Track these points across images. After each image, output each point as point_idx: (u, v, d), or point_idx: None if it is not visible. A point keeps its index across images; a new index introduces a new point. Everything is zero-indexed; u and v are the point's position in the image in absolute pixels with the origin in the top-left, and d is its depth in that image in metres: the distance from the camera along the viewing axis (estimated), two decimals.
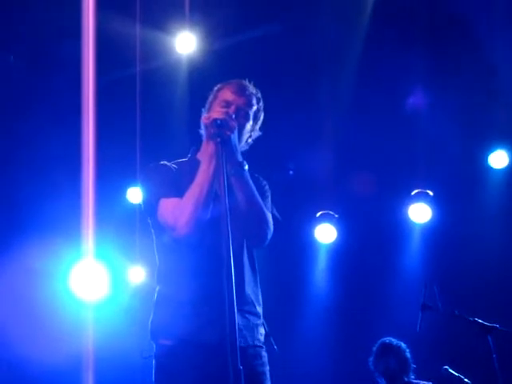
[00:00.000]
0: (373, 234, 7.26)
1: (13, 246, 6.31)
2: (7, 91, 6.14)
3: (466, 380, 5.26)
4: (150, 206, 3.20)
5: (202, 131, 3.25)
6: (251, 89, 3.30)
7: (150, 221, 3.25)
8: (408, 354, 5.87)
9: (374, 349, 5.97)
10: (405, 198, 7.27)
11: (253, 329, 3.17)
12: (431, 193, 7.14)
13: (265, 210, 3.14)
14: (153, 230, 3.24)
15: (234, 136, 3.06)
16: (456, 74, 6.20)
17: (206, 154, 3.13)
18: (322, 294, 7.64)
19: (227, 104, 3.20)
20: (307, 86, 6.22)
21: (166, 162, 3.34)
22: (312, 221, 7.42)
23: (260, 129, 3.35)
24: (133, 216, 6.76)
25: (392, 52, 5.94)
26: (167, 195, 3.15)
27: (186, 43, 6.20)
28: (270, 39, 6.11)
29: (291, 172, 7.29)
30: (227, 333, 2.70)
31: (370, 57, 6.14)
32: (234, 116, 3.09)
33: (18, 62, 6.19)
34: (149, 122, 6.47)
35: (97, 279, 6.51)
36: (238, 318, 2.84)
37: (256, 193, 3.13)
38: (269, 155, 5.83)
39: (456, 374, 5.31)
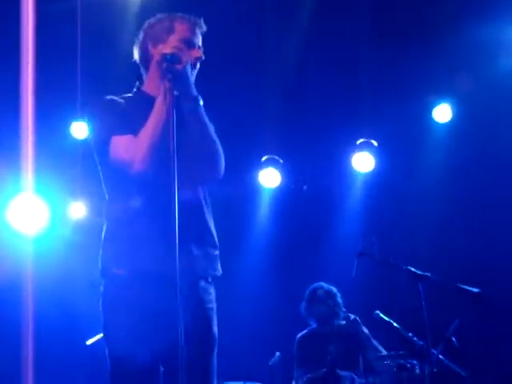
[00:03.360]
0: (316, 180, 7.55)
1: None
2: None
3: (395, 324, 5.60)
4: (101, 144, 3.20)
5: (154, 62, 3.27)
6: (203, 25, 3.34)
7: (98, 158, 3.26)
8: (339, 299, 6.22)
9: (306, 293, 6.29)
10: (349, 147, 7.47)
11: (212, 259, 3.28)
12: (375, 143, 7.39)
13: (219, 144, 3.20)
14: (101, 168, 3.27)
15: (187, 70, 3.09)
16: (401, 30, 6.45)
17: (158, 89, 3.16)
18: (264, 238, 7.94)
19: (190, 43, 3.24)
20: (256, 36, 6.47)
21: (113, 97, 3.31)
22: (257, 165, 7.61)
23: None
24: (76, 151, 6.84)
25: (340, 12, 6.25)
26: (119, 132, 3.17)
27: None
28: None
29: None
30: (183, 264, 2.84)
31: (320, 15, 6.42)
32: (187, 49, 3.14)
33: None
34: (92, 55, 6.51)
35: (36, 213, 6.62)
36: (195, 248, 3.16)
37: (211, 127, 3.19)
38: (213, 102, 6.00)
39: (386, 319, 5.67)
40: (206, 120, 3.18)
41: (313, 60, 6.70)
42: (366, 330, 6.01)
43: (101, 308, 3.23)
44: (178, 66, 3.05)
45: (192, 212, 3.10)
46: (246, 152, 7.19)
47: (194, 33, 3.27)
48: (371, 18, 6.48)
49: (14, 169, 6.34)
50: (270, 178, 7.66)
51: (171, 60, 3.04)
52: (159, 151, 3.08)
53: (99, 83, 6.41)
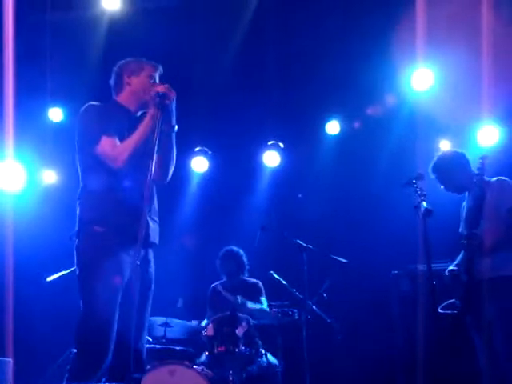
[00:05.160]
0: (235, 169, 7.78)
1: None
2: None
3: (283, 282, 5.96)
4: (92, 139, 3.55)
5: (128, 88, 3.74)
6: (160, 68, 3.89)
7: (86, 150, 3.56)
8: (244, 259, 6.55)
9: (220, 254, 6.60)
10: (262, 147, 7.89)
11: (157, 233, 3.74)
12: (282, 145, 7.81)
13: (174, 161, 3.73)
14: (84, 157, 3.60)
15: (172, 105, 3.56)
16: (303, 66, 6.95)
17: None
18: (191, 211, 7.97)
19: (153, 79, 3.78)
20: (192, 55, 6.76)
21: (98, 104, 3.69)
22: (189, 154, 7.91)
23: None
24: (50, 130, 7.09)
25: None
26: (108, 133, 3.54)
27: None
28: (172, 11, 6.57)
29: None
30: (144, 230, 3.26)
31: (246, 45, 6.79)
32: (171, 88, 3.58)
33: None
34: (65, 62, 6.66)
35: (16, 176, 6.86)
36: (151, 223, 3.58)
37: (175, 148, 3.69)
38: None
39: (277, 277, 6.02)
40: (174, 142, 3.71)
41: (238, 82, 7.07)
42: (262, 289, 6.30)
43: (80, 254, 3.53)
44: (167, 102, 3.52)
45: (150, 198, 3.47)
46: (182, 143, 7.25)
47: (155, 72, 3.84)
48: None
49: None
50: (199, 164, 7.91)
51: (163, 96, 3.49)
52: (137, 155, 3.54)
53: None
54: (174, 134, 3.62)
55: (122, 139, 3.59)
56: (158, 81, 3.82)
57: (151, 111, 3.50)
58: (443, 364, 4.34)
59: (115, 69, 3.87)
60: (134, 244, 3.35)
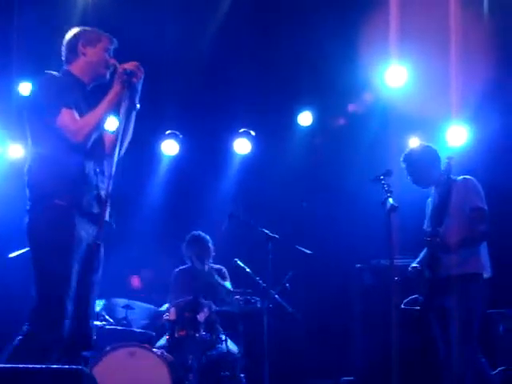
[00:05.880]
0: (207, 156, 7.77)
1: None
2: None
3: (247, 270, 5.90)
4: (52, 111, 3.38)
5: (83, 58, 3.60)
6: (116, 41, 3.76)
7: (44, 120, 3.39)
8: (211, 245, 6.47)
9: (186, 238, 6.53)
10: (233, 133, 7.84)
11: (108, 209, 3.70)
12: (253, 133, 7.79)
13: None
14: (41, 128, 3.42)
15: (139, 84, 3.51)
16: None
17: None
18: (160, 195, 7.91)
19: (109, 51, 3.68)
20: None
21: (56, 74, 3.54)
22: (161, 136, 7.87)
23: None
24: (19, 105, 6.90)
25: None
26: (68, 105, 3.40)
27: None
28: None
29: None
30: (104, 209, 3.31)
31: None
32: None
33: None
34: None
35: None
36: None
37: (132, 126, 3.68)
38: None
39: (242, 265, 5.97)
40: (133, 121, 3.66)
41: (211, 67, 7.03)
42: (226, 275, 6.28)
43: (37, 230, 3.39)
44: (134, 80, 3.48)
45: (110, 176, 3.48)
46: (154, 125, 7.22)
47: (111, 45, 3.72)
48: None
49: None
50: (170, 147, 7.82)
51: (130, 74, 3.46)
52: (100, 131, 3.53)
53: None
54: (134, 113, 3.56)
55: (79, 111, 3.47)
56: (111, 55, 3.73)
57: (116, 88, 3.44)
58: (404, 357, 4.40)
59: (69, 36, 3.67)
60: (90, 221, 3.36)
